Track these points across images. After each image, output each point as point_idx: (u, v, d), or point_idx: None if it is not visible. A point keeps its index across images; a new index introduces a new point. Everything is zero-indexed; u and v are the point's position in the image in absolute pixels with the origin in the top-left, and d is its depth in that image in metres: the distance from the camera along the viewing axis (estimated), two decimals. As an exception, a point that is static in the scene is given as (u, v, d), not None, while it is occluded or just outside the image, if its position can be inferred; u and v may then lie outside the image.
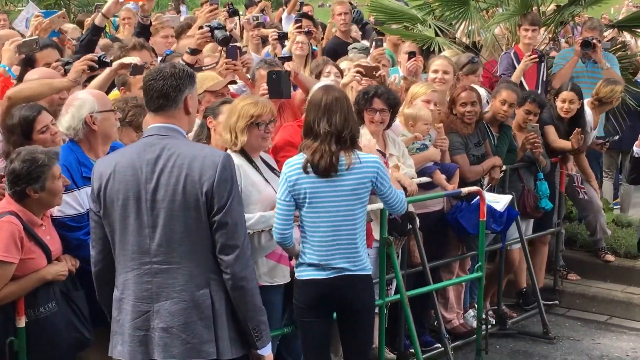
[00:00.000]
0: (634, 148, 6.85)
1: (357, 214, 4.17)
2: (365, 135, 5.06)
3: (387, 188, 4.26)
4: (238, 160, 4.33)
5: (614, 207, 9.12)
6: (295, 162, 4.16)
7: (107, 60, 5.06)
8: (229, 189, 3.27)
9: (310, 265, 4.17)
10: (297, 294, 4.25)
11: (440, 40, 8.09)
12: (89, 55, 5.06)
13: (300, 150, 4.22)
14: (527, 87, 7.66)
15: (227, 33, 5.94)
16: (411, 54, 6.99)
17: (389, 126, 5.55)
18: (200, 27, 6.00)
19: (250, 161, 4.54)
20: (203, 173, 3.25)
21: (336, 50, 8.19)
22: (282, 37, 7.82)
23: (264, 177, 4.56)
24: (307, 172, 4.10)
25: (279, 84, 5.27)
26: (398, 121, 5.81)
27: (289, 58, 6.30)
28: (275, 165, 4.78)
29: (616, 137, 8.07)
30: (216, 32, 5.82)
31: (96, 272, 3.52)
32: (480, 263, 5.89)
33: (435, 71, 6.70)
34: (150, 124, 3.41)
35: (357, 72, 5.85)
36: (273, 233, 4.17)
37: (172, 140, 3.33)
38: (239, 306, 3.34)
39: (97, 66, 4.98)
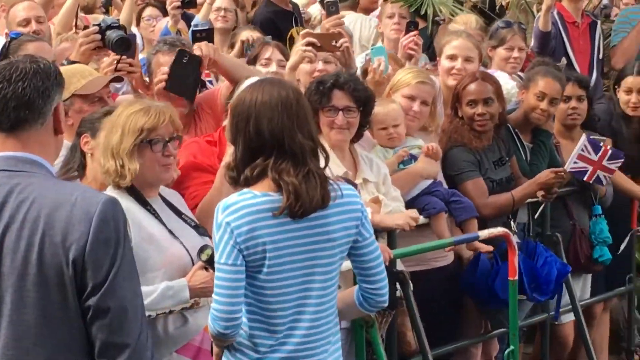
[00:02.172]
0: None
1: (335, 277, 4.15)
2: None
3: (370, 239, 4.21)
4: (123, 202, 4.35)
5: None
6: (244, 204, 3.99)
7: None
8: (112, 253, 3.28)
9: None
10: None
11: (438, 0, 8.29)
12: None
13: (245, 178, 4.03)
14: (577, 69, 7.84)
15: (124, 33, 5.82)
16: (410, 25, 6.98)
17: (359, 135, 5.67)
18: (84, 26, 6.01)
19: (144, 203, 4.61)
20: (70, 230, 3.25)
21: (274, 23, 8.23)
22: (188, 3, 7.88)
23: (166, 227, 4.64)
24: (274, 215, 3.99)
25: (188, 74, 5.33)
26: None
27: (209, 31, 6.35)
28: (184, 207, 4.86)
29: None
30: (109, 32, 5.75)
31: None
32: (512, 347, 6.02)
33: (452, 57, 6.73)
34: None
35: (308, 44, 5.97)
36: (211, 320, 4.02)
37: (25, 179, 3.33)
38: None
39: None
